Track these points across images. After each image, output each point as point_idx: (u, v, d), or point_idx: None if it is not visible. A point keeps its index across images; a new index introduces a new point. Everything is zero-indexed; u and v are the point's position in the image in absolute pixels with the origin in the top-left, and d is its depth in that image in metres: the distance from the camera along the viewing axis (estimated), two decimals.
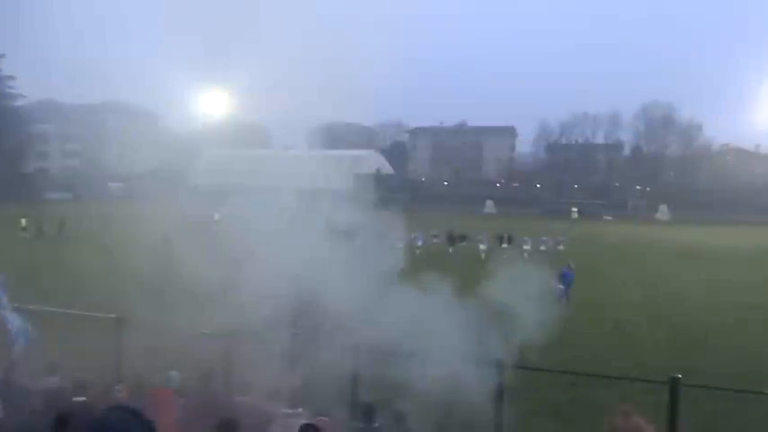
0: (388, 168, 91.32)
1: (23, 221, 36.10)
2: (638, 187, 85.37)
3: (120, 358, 8.40)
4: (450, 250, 31.44)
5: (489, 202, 79.94)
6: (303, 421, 6.20)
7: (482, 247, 30.25)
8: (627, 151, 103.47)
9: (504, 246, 31.39)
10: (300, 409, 6.40)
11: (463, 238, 33.32)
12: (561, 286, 19.30)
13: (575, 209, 73.51)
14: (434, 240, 33.09)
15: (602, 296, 20.77)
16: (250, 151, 50.06)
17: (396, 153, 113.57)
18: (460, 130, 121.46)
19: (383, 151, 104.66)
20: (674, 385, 6.16)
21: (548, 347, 14.03)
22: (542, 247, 30.26)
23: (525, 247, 28.48)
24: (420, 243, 30.13)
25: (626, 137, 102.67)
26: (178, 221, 16.88)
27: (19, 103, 76.63)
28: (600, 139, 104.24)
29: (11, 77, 76.82)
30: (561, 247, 30.44)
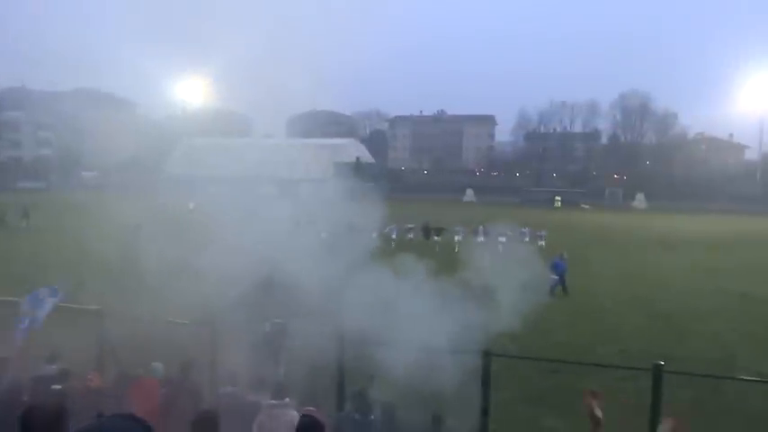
0: (368, 157, 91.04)
1: None
2: (615, 176, 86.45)
3: (101, 348, 8.28)
4: (427, 241, 30.51)
5: (469, 191, 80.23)
6: (290, 411, 6.15)
7: (457, 238, 29.26)
8: (604, 140, 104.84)
9: (481, 239, 29.55)
10: (287, 399, 6.33)
11: (439, 231, 31.45)
12: (555, 276, 19.27)
13: (558, 197, 73.83)
14: (410, 236, 31.21)
15: (583, 284, 20.95)
16: (228, 140, 49.49)
17: (376, 142, 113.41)
18: (440, 118, 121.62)
19: (363, 140, 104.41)
20: (656, 372, 6.22)
21: (530, 335, 14.19)
22: (526, 239, 28.17)
23: (501, 239, 26.28)
24: (394, 236, 29.06)
25: (603, 125, 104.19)
26: (151, 210, 16.60)
27: None
28: (578, 128, 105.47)
29: None
30: (542, 243, 29.12)
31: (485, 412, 7.14)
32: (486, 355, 7.02)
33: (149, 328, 10.44)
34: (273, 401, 6.30)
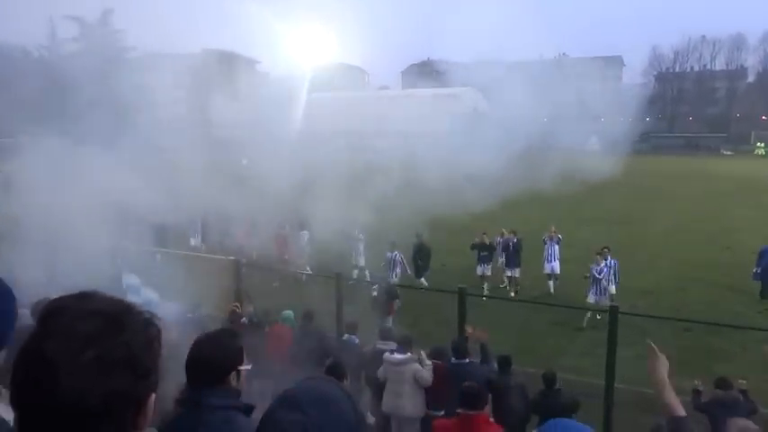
0: (485, 106, 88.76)
1: None
2: (763, 117, 77.53)
3: (239, 295, 8.90)
4: None
5: (593, 139, 75.99)
6: (413, 365, 6.38)
7: None
8: (751, 78, 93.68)
9: None
10: (409, 354, 6.54)
11: None
12: (757, 269, 14.18)
13: (761, 144, 66.92)
14: None
15: (721, 239, 19.27)
16: (347, 93, 50.17)
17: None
18: (561, 62, 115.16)
19: (480, 89, 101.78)
20: None
21: (663, 290, 13.43)
22: None
23: None
24: None
25: (751, 61, 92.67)
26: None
27: (130, 55, 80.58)
28: (719, 66, 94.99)
29: (121, 31, 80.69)
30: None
31: (610, 370, 6.96)
32: (613, 311, 6.79)
33: (278, 277, 11.15)
34: (399, 356, 6.53)
